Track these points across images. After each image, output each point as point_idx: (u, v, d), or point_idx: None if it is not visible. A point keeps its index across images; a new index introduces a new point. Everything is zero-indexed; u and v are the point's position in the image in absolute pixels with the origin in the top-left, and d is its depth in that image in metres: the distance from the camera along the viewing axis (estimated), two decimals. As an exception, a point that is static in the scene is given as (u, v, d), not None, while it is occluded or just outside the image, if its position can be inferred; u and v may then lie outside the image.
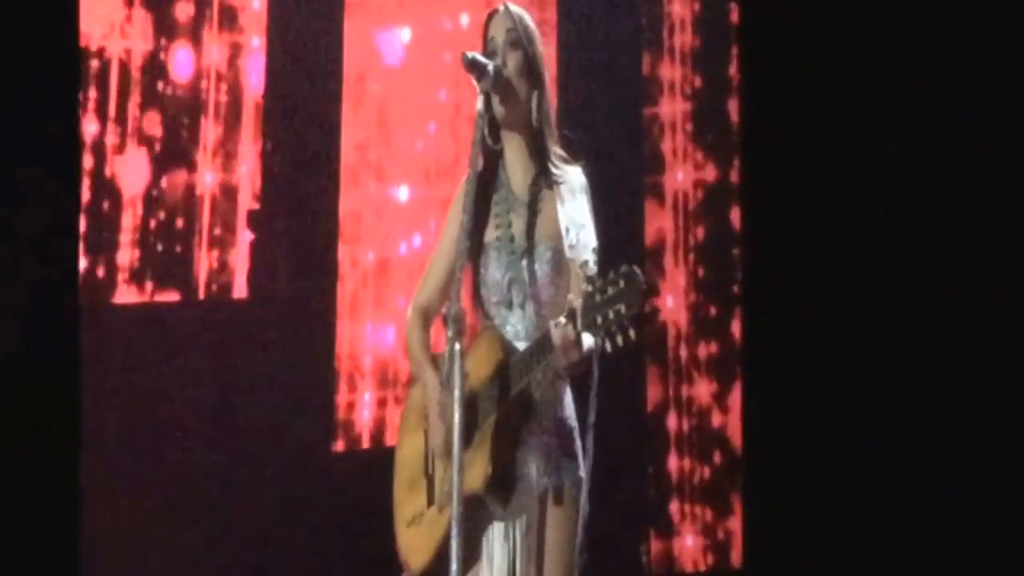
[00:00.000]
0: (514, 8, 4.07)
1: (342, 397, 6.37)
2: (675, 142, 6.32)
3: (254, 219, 6.40)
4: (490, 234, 3.99)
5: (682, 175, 6.28)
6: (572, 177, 4.01)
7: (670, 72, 6.37)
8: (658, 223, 6.28)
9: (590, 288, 3.58)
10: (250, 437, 6.43)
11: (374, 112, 6.36)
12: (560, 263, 3.92)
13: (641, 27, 6.41)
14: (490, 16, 4.09)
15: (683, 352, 6.16)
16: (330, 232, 6.32)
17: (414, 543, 3.91)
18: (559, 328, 3.64)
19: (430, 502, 3.91)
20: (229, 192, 6.39)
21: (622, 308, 3.51)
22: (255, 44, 6.32)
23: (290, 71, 6.33)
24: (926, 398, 5.75)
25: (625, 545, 5.97)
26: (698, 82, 6.36)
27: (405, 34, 6.39)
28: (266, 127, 6.32)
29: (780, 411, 5.88)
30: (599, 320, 3.54)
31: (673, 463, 6.09)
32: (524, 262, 3.94)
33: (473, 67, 3.93)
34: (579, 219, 3.93)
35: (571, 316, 3.62)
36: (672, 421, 6.12)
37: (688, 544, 6.00)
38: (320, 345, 6.37)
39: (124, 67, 6.41)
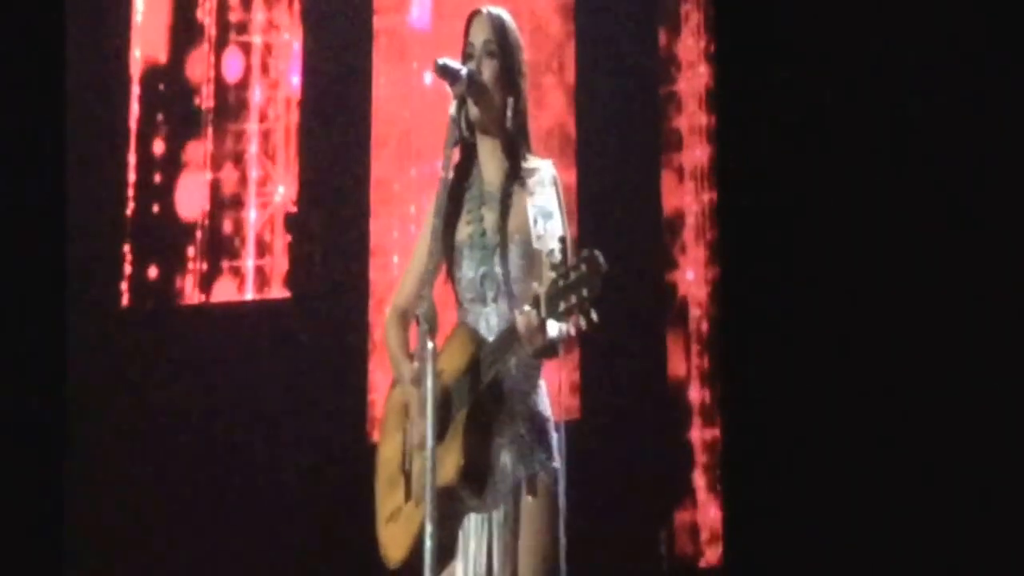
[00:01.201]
0: (494, 12, 4.12)
1: (375, 392, 6.57)
2: (692, 119, 6.37)
3: (292, 225, 6.77)
4: (462, 231, 4.05)
5: (699, 152, 6.33)
6: (542, 170, 4.07)
7: (687, 49, 6.41)
8: (677, 199, 6.34)
9: (554, 275, 3.66)
10: (290, 423, 6.70)
11: (404, 139, 6.66)
12: (531, 256, 3.96)
13: (658, 4, 6.46)
14: (471, 18, 4.13)
15: (703, 326, 6.23)
16: (362, 242, 6.69)
17: (392, 538, 3.99)
18: (523, 315, 3.73)
19: (407, 498, 3.98)
20: (271, 206, 6.87)
21: (584, 292, 3.58)
22: (294, 83, 6.95)
23: (324, 104, 6.87)
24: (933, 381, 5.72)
25: (646, 525, 6.06)
26: (715, 59, 6.40)
27: (427, 77, 6.61)
28: (304, 147, 6.90)
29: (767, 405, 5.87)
30: (562, 306, 3.63)
31: (695, 435, 6.17)
32: (497, 257, 4.00)
33: (445, 73, 4.00)
34: (547, 209, 3.99)
35: (535, 303, 3.70)
36: (694, 393, 6.20)
37: (711, 515, 6.08)
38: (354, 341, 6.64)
39: (177, 97, 7.06)
